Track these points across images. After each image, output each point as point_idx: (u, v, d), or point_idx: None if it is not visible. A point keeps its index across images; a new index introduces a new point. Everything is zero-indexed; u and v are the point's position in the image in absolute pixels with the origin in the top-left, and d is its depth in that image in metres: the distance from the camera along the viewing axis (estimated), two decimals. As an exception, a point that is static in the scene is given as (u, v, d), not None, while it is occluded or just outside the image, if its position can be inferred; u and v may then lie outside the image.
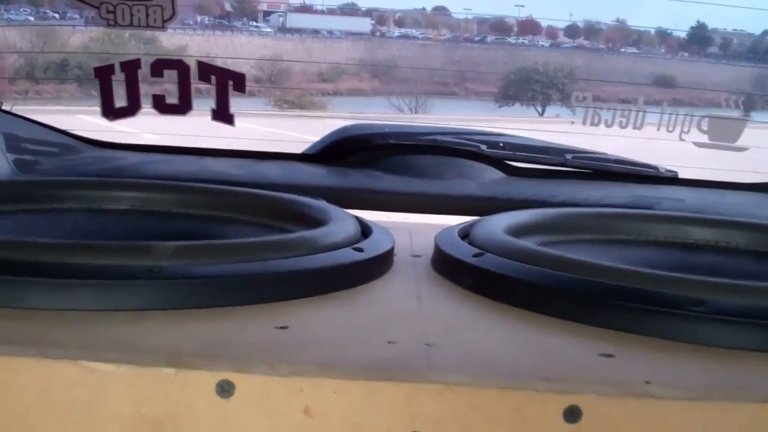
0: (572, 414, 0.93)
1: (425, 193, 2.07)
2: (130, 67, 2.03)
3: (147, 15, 1.96)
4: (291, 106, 9.92)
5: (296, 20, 12.48)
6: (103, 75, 2.04)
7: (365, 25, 12.94)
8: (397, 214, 1.90)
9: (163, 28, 1.98)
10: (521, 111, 9.30)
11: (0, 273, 1.09)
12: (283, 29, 12.27)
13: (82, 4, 1.98)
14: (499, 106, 9.53)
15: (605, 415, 0.94)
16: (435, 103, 10.86)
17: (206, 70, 2.04)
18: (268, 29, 12.14)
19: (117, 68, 2.03)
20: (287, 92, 10.08)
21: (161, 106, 2.08)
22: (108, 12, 1.95)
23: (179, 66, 2.04)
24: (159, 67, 2.06)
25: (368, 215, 1.61)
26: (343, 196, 1.76)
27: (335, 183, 2.12)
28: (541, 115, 8.94)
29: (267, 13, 12.53)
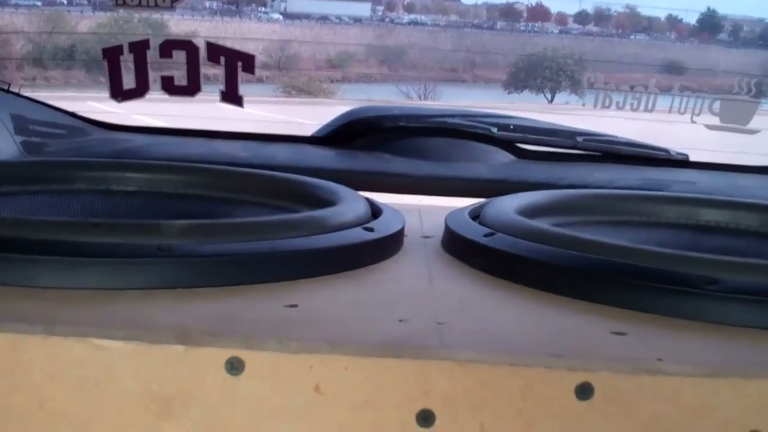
0: (584, 391, 0.93)
1: (435, 175, 2.06)
2: (139, 48, 2.02)
3: (156, -5, 1.95)
4: (299, 92, 9.91)
5: (297, 5, 12.50)
6: (112, 56, 2.04)
7: (365, 9, 12.96)
8: (406, 196, 1.90)
9: (171, 7, 1.97)
10: (530, 98, 9.29)
11: (9, 251, 1.09)
12: (284, 14, 12.28)
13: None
14: (508, 93, 9.53)
15: (617, 391, 0.93)
16: (444, 90, 10.83)
17: (215, 51, 2.03)
18: (277, 15, 12.15)
19: (126, 49, 2.03)
20: (295, 78, 10.08)
21: (170, 87, 2.07)
22: (117, -9, 1.94)
23: (188, 47, 2.03)
24: (168, 48, 2.05)
25: (378, 197, 1.60)
26: (353, 178, 1.75)
27: (344, 165, 2.11)
28: (551, 102, 8.93)
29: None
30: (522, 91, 9.41)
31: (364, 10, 13.04)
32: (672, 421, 0.94)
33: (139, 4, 1.95)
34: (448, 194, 1.94)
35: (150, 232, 1.17)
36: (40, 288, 1.06)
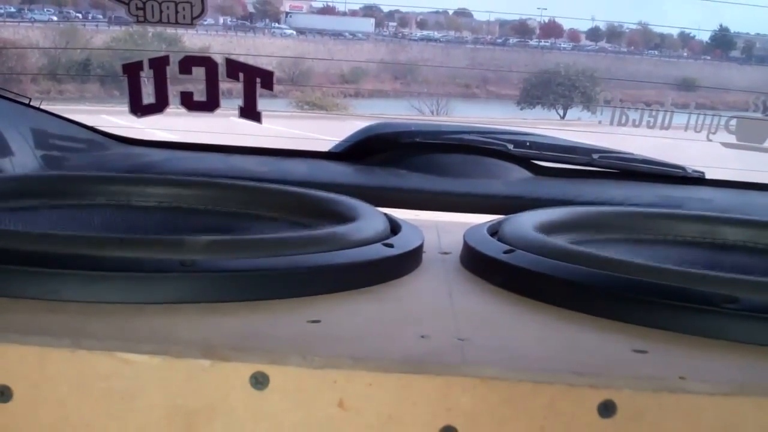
0: (607, 409, 0.93)
1: (452, 191, 2.07)
2: (159, 64, 2.04)
3: (176, 12, 1.97)
4: (312, 107, 9.93)
5: (300, 21, 12.58)
6: (132, 72, 2.05)
7: (368, 25, 13.04)
8: (423, 212, 1.90)
9: (192, 25, 1.98)
10: (543, 114, 9.29)
11: (35, 265, 1.10)
12: (294, 29, 12.35)
13: (110, 2, 1.99)
14: (521, 108, 9.52)
15: (640, 410, 0.93)
16: (456, 105, 10.84)
17: (234, 68, 2.05)
18: (291, 31, 12.21)
19: (146, 65, 2.05)
20: (309, 93, 10.10)
21: (189, 103, 2.09)
22: (137, 9, 1.96)
23: (207, 63, 2.05)
24: (187, 64, 2.07)
25: (395, 213, 1.61)
26: (370, 194, 1.75)
27: (361, 181, 2.12)
28: (563, 118, 8.93)
29: (288, 15, 12.60)
30: (534, 107, 9.41)
31: (367, 25, 13.12)
32: None
33: (160, 21, 1.97)
34: (464, 210, 1.94)
35: (174, 247, 1.18)
36: (65, 302, 1.07)
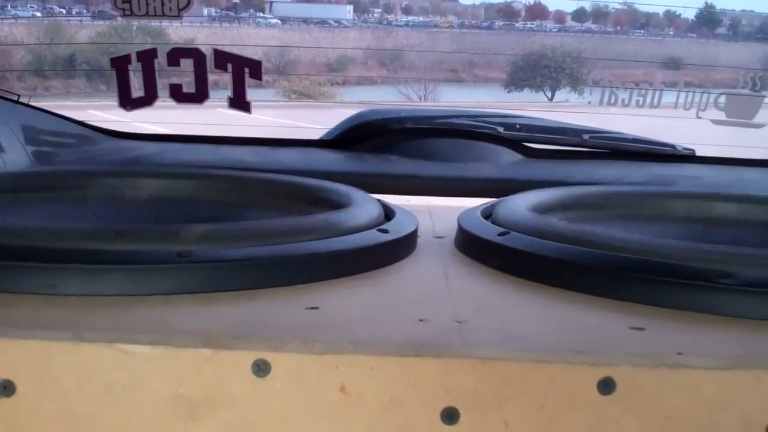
0: (606, 385, 0.94)
1: (444, 176, 2.07)
2: (147, 57, 2.03)
3: (162, 4, 1.96)
4: (299, 96, 9.91)
5: (281, 10, 12.61)
6: (120, 65, 2.05)
7: (345, 12, 13.13)
8: (416, 197, 1.90)
9: (178, 16, 1.98)
10: (530, 96, 9.29)
11: (34, 260, 1.10)
12: (278, 18, 12.38)
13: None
14: (508, 92, 9.52)
15: (639, 385, 0.94)
16: (444, 90, 10.82)
17: (222, 58, 2.04)
18: (275, 20, 12.20)
19: (134, 58, 2.04)
20: (296, 83, 10.08)
21: (178, 95, 2.08)
22: (123, 2, 1.95)
23: (195, 54, 2.04)
24: (175, 56, 2.06)
25: (386, 199, 1.61)
26: (362, 181, 1.75)
27: (353, 168, 2.12)
28: (551, 99, 8.94)
29: (271, 3, 12.59)
30: (522, 90, 9.41)
31: (344, 12, 13.19)
32: (693, 414, 0.95)
33: (146, 14, 1.96)
34: (456, 194, 1.94)
35: (170, 238, 1.19)
36: (64, 295, 1.07)
